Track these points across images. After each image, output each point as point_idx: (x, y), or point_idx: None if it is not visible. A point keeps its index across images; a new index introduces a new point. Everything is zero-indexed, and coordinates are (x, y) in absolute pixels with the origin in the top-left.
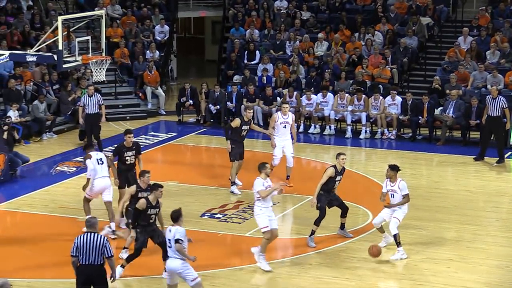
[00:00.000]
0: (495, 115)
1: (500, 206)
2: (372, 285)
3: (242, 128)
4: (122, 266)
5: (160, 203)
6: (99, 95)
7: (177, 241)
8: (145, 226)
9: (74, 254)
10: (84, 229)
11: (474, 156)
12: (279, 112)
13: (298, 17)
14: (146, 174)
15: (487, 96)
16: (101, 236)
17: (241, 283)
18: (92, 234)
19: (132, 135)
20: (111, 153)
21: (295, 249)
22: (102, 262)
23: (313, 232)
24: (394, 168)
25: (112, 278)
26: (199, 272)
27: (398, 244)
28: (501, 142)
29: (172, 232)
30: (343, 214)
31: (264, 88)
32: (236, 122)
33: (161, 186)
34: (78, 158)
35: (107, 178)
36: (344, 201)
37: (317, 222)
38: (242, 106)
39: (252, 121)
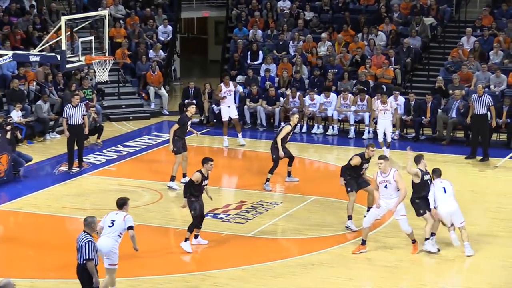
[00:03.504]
0: (480, 113)
1: (504, 206)
2: (375, 285)
3: (363, 166)
4: (187, 239)
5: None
6: (84, 105)
7: (131, 227)
8: (198, 196)
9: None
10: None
11: (480, 157)
12: (378, 171)
13: (301, 17)
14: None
15: (473, 95)
16: (84, 238)
17: (243, 283)
18: (82, 233)
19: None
20: (177, 123)
21: (298, 249)
22: (82, 262)
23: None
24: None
25: (93, 283)
26: (202, 272)
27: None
28: (486, 140)
29: (120, 216)
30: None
31: (267, 88)
32: (356, 161)
33: (212, 160)
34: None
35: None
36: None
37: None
38: (366, 143)
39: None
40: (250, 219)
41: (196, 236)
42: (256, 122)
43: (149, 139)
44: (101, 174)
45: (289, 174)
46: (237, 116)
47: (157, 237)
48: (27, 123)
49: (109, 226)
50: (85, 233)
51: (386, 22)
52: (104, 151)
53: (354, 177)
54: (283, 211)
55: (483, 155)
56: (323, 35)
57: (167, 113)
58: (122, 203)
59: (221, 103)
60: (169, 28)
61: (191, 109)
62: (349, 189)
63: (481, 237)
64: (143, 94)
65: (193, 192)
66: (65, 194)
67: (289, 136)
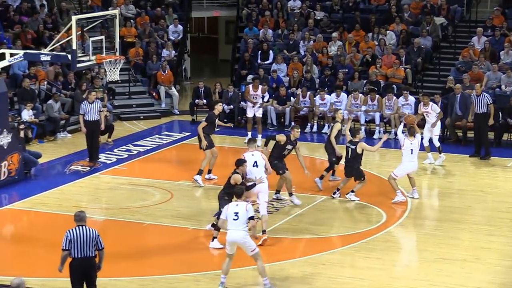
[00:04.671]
0: (481, 112)
1: None
2: (386, 285)
3: (286, 147)
4: (215, 238)
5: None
6: (100, 102)
7: (252, 217)
8: (231, 197)
9: (66, 248)
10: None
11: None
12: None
13: (311, 17)
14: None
15: (472, 94)
16: (92, 229)
17: (254, 283)
18: (84, 227)
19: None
20: (204, 121)
21: (308, 249)
22: (94, 254)
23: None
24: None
25: (98, 268)
26: (212, 271)
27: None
28: (486, 138)
29: (242, 207)
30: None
31: (277, 88)
32: (281, 138)
33: (245, 161)
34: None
35: None
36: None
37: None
38: None
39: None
40: (260, 219)
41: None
42: (267, 121)
43: (159, 138)
44: (111, 173)
45: (333, 173)
46: (261, 115)
47: (168, 236)
48: (38, 122)
49: (234, 220)
50: (85, 227)
51: (397, 22)
52: (115, 150)
53: (279, 160)
54: (293, 211)
55: (484, 153)
56: (334, 34)
57: (178, 112)
58: (241, 193)
59: (247, 102)
60: (180, 27)
61: (219, 107)
62: (281, 171)
63: (491, 237)
64: (154, 94)
65: (228, 191)
66: (76, 193)
67: (340, 134)
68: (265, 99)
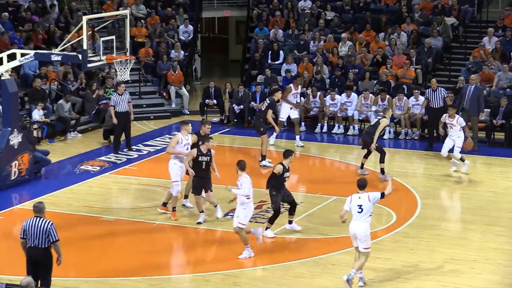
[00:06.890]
0: (436, 106)
1: None
2: (396, 286)
3: (199, 143)
4: (267, 228)
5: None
6: (128, 93)
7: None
8: (279, 188)
9: (22, 237)
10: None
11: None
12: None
13: (322, 17)
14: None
15: (427, 90)
16: (46, 221)
17: (264, 283)
18: (38, 218)
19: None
20: (269, 109)
21: (318, 249)
22: (47, 246)
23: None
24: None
25: (58, 262)
26: (222, 271)
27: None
28: (433, 131)
29: (365, 198)
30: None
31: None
32: (193, 138)
33: (293, 152)
34: (102, 157)
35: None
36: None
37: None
38: None
39: None
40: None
41: (290, 222)
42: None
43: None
44: (122, 173)
45: (382, 171)
46: (298, 117)
47: (177, 236)
48: (48, 122)
49: (359, 212)
50: (41, 218)
51: (408, 22)
52: (125, 150)
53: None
54: (303, 211)
55: (428, 145)
56: (344, 35)
57: (188, 112)
58: (364, 185)
59: (283, 103)
60: (190, 27)
61: (278, 94)
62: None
63: (501, 238)
64: (164, 94)
65: (274, 184)
66: (86, 193)
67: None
68: (298, 99)
